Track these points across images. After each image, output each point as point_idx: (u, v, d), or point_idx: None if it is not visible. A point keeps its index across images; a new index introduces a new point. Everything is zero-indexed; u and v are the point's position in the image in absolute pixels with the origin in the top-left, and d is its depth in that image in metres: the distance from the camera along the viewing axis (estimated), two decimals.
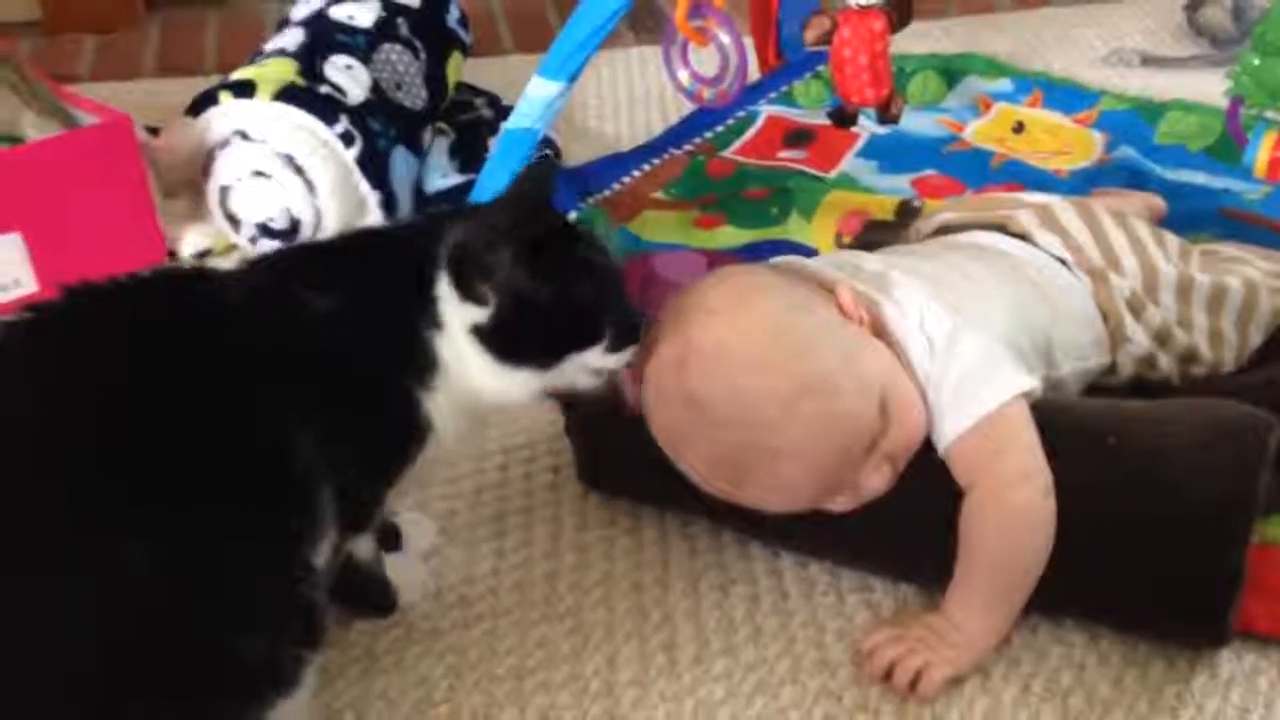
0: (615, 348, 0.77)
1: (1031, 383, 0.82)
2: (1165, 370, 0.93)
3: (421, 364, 0.74)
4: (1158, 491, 0.78)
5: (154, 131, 1.28)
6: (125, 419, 0.65)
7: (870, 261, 0.91)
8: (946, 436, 0.81)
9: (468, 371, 0.75)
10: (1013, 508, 0.79)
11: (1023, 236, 0.96)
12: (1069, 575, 0.79)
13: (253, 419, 0.68)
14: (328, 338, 0.72)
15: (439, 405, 0.74)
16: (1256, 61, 1.04)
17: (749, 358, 0.79)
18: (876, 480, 0.81)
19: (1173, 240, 1.00)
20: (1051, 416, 0.81)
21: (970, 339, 0.82)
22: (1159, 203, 1.16)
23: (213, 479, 0.66)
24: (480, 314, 0.73)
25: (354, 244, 0.80)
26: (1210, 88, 1.43)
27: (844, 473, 0.80)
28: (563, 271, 0.74)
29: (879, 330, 0.83)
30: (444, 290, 0.73)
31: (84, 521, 0.62)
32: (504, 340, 0.74)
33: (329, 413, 0.71)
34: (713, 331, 0.80)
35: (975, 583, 0.79)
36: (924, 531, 0.82)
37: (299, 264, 0.78)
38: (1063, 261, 0.94)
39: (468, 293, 0.73)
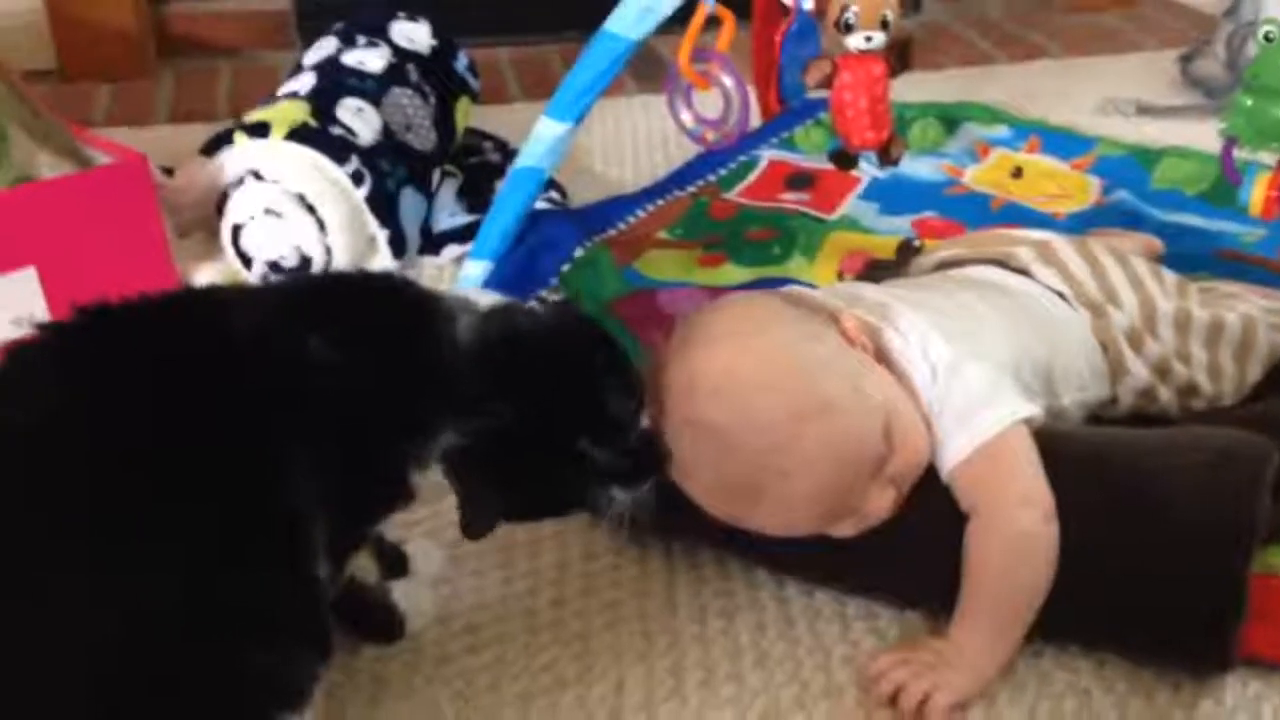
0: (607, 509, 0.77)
1: (1033, 409, 0.83)
2: (1165, 402, 0.94)
3: (415, 458, 0.73)
4: (1159, 518, 0.79)
5: (169, 172, 1.31)
6: (138, 435, 0.66)
7: (871, 292, 0.93)
8: (949, 461, 0.82)
9: None
10: (1014, 532, 0.79)
11: (1022, 271, 0.98)
12: (1071, 602, 0.80)
13: (259, 449, 0.69)
14: (333, 392, 0.71)
15: (426, 484, 0.74)
16: (1249, 103, 1.06)
17: (756, 381, 0.80)
18: (881, 505, 0.82)
19: (1170, 276, 1.01)
20: (1053, 443, 0.82)
21: (973, 366, 0.84)
22: (1156, 243, 1.18)
23: (225, 498, 0.66)
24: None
25: (386, 306, 0.76)
26: (1204, 136, 1.46)
27: (850, 497, 0.81)
28: (554, 476, 0.74)
29: (882, 357, 0.85)
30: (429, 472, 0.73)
31: (99, 534, 0.62)
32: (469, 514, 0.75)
33: (324, 463, 0.70)
34: (720, 356, 0.81)
35: (979, 607, 0.80)
36: (929, 559, 0.83)
37: (313, 307, 0.75)
38: (1061, 295, 0.95)
39: (461, 500, 0.73)
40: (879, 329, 0.87)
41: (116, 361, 0.69)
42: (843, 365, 0.82)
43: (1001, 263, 1.00)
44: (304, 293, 0.80)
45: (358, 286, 0.81)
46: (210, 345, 0.71)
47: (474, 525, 0.74)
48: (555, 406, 0.73)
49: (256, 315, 0.74)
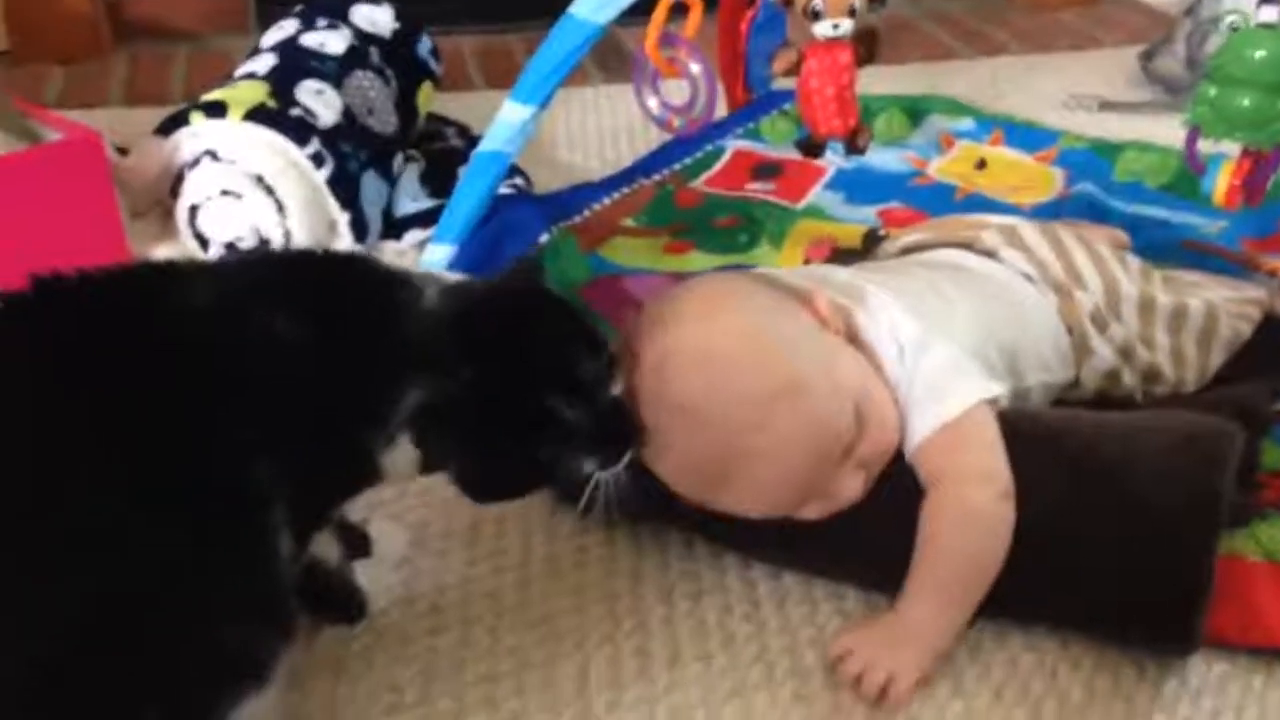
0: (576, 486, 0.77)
1: (998, 389, 0.83)
2: (1129, 386, 0.95)
3: (379, 429, 0.71)
4: (1125, 499, 0.79)
5: (123, 151, 1.28)
6: (93, 409, 0.64)
7: (839, 274, 0.93)
8: (913, 438, 0.82)
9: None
10: (970, 508, 0.79)
11: (989, 254, 0.98)
12: (1038, 583, 0.80)
13: (214, 426, 0.67)
14: (292, 368, 0.69)
15: (393, 462, 0.73)
16: (1213, 92, 1.07)
17: (728, 358, 0.79)
18: (851, 487, 0.81)
19: (1135, 262, 1.02)
20: (1018, 424, 0.83)
21: (940, 346, 0.84)
22: (1122, 236, 1.18)
23: (182, 476, 0.65)
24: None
25: (344, 282, 0.75)
26: (1165, 132, 1.48)
27: (820, 478, 0.80)
28: (526, 436, 0.72)
29: (852, 337, 0.84)
30: (399, 439, 0.70)
31: (54, 510, 0.61)
32: (462, 486, 0.74)
33: (283, 441, 0.68)
34: (691, 333, 0.80)
35: (929, 580, 0.80)
36: (893, 542, 0.82)
37: (273, 281, 0.74)
38: (1028, 278, 0.96)
39: (430, 459, 0.72)
40: (850, 309, 0.86)
41: (71, 333, 0.67)
42: (815, 346, 0.82)
43: (968, 246, 1.00)
44: (263, 266, 0.79)
45: (319, 260, 0.80)
46: (166, 320, 0.69)
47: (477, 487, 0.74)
48: (521, 361, 0.72)
49: (215, 289, 0.72)
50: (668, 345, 0.80)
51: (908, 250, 1.04)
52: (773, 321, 0.82)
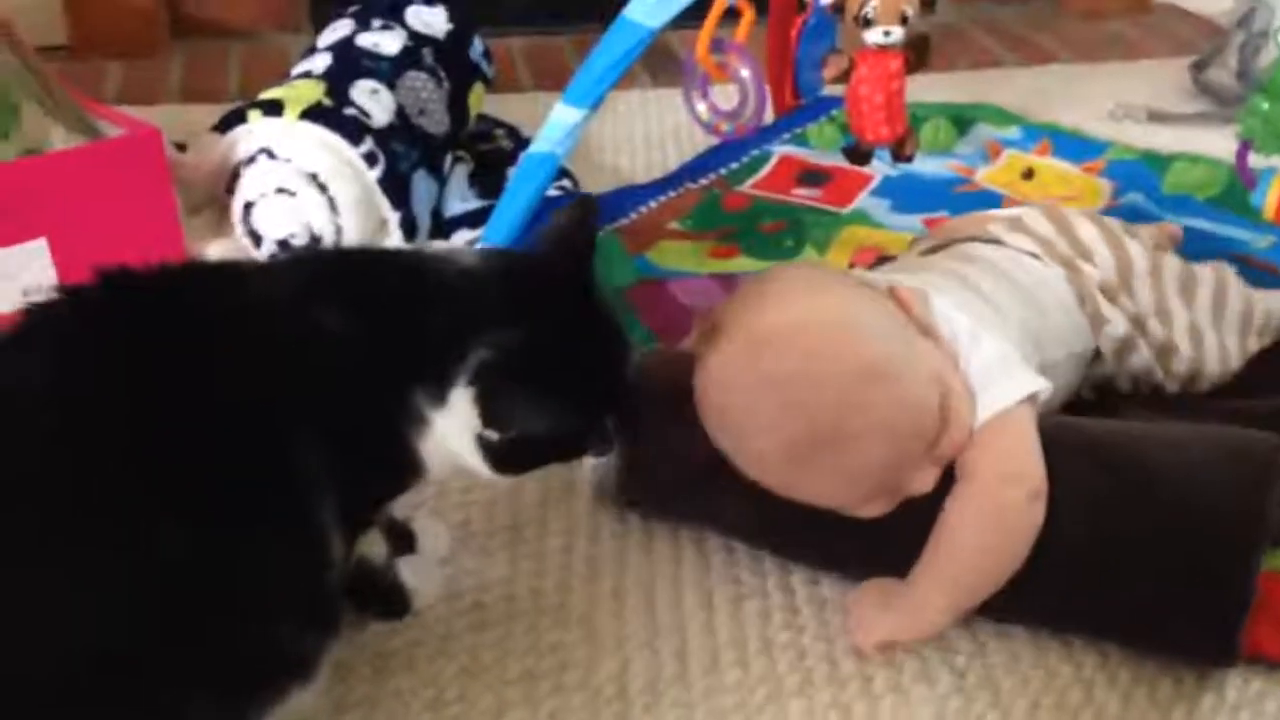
0: (599, 454, 0.79)
1: (1042, 383, 0.84)
2: (1146, 361, 0.96)
3: (413, 416, 0.73)
4: (1169, 508, 0.80)
5: (181, 148, 1.30)
6: (157, 405, 0.66)
7: (877, 277, 0.93)
8: None
9: (457, 447, 0.74)
10: (997, 504, 0.80)
11: (995, 242, 1.00)
12: (1078, 591, 0.80)
13: (269, 423, 0.69)
14: (340, 362, 0.71)
15: (430, 452, 0.74)
16: (1265, 106, 1.07)
17: (830, 337, 0.79)
18: (922, 481, 0.81)
19: (1146, 230, 1.03)
20: (1061, 433, 0.83)
21: (989, 340, 0.84)
22: (1175, 229, 1.18)
23: (238, 472, 0.66)
24: (492, 434, 0.73)
25: (386, 272, 0.78)
26: (1215, 144, 1.47)
27: (902, 470, 0.80)
28: (570, 398, 0.74)
29: (927, 330, 0.84)
30: (458, 390, 0.72)
31: (118, 502, 0.63)
32: (503, 457, 0.74)
33: (332, 434, 0.70)
34: (790, 311, 0.80)
35: (947, 569, 0.81)
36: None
37: (326, 279, 0.76)
38: (1035, 256, 0.97)
39: (490, 420, 0.72)
40: (926, 301, 0.86)
41: (133, 328, 0.69)
42: (904, 334, 0.82)
43: (975, 239, 1.01)
44: (314, 264, 0.81)
45: (366, 255, 0.84)
46: (227, 317, 0.71)
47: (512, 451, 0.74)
48: (567, 319, 0.74)
49: (269, 288, 0.74)
50: (764, 323, 0.80)
51: (926, 253, 1.05)
52: (866, 307, 0.82)
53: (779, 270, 0.87)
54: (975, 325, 0.84)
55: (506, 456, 0.74)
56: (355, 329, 0.72)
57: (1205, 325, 0.98)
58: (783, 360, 0.78)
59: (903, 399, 0.79)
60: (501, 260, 0.79)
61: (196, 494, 0.64)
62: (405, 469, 0.75)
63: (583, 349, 0.75)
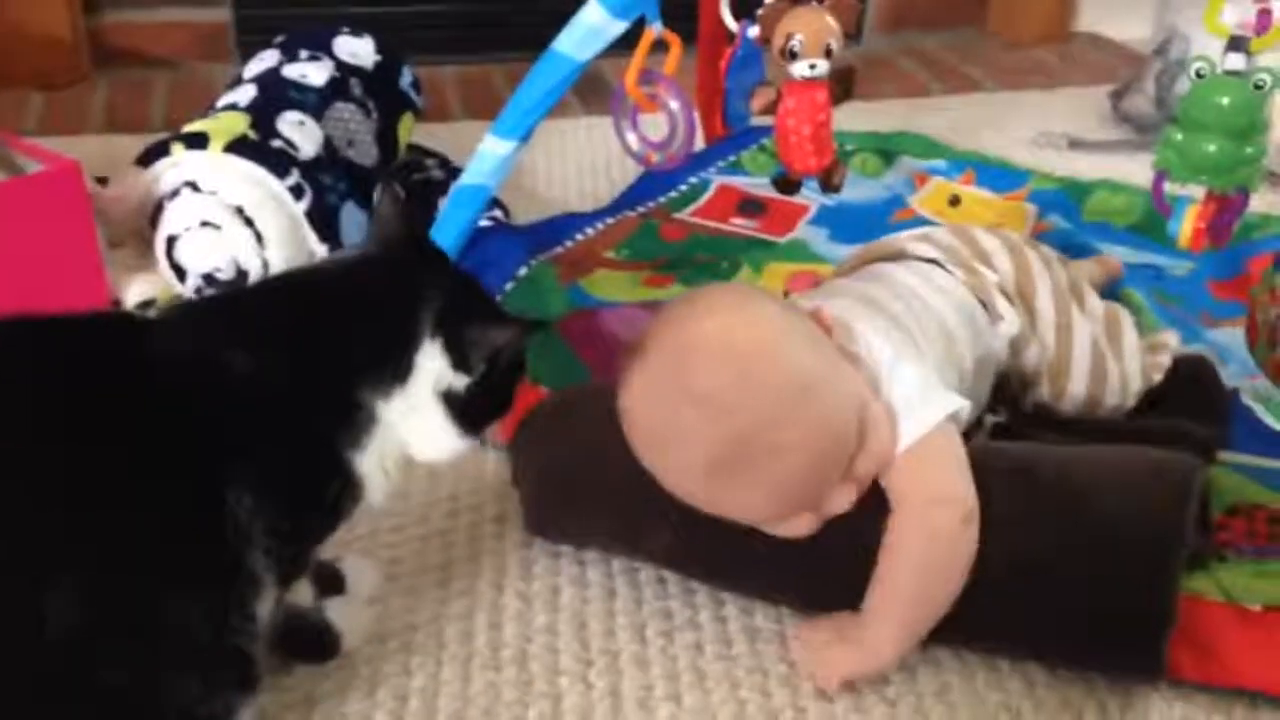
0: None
1: (961, 401, 0.85)
2: (1035, 363, 0.99)
3: (356, 421, 0.73)
4: (1093, 527, 0.82)
5: (102, 182, 1.28)
6: (58, 454, 0.65)
7: (801, 301, 0.94)
8: None
9: (408, 429, 0.75)
10: (929, 528, 0.81)
11: (899, 255, 1.02)
12: (1007, 610, 0.82)
13: (187, 473, 0.68)
14: (257, 399, 0.71)
15: (370, 464, 0.74)
16: (1179, 137, 1.09)
17: (758, 351, 0.80)
18: (841, 500, 0.82)
19: (1086, 264, 1.07)
20: (985, 457, 0.84)
21: (908, 366, 0.85)
22: (1115, 263, 1.21)
23: (144, 523, 0.65)
24: (460, 382, 0.75)
25: (286, 292, 0.79)
26: (1134, 171, 1.50)
27: (825, 485, 0.81)
28: (504, 316, 0.79)
29: (846, 353, 0.85)
30: (424, 349, 0.74)
31: (10, 554, 0.62)
32: (469, 406, 0.76)
33: (261, 477, 0.70)
34: (717, 326, 0.81)
35: (893, 599, 0.81)
36: (869, 568, 0.83)
37: (226, 316, 0.76)
38: (936, 262, 1.00)
39: (465, 354, 0.74)
40: (848, 325, 0.87)
41: (49, 379, 0.67)
42: (827, 351, 0.83)
43: (881, 259, 1.04)
44: (207, 310, 0.81)
45: (255, 290, 0.87)
46: (138, 369, 0.70)
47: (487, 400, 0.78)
48: (456, 272, 0.83)
49: (172, 341, 0.72)
50: (692, 337, 0.80)
51: (841, 274, 1.07)
52: (793, 323, 0.83)
53: (707, 287, 0.89)
54: (896, 351, 0.86)
55: (472, 403, 0.76)
56: (269, 362, 0.71)
57: (1104, 346, 1.01)
58: (713, 372, 0.79)
59: (827, 415, 0.80)
60: (377, 248, 0.80)
61: (101, 553, 0.63)
62: (341, 497, 0.74)
63: (477, 287, 0.82)
